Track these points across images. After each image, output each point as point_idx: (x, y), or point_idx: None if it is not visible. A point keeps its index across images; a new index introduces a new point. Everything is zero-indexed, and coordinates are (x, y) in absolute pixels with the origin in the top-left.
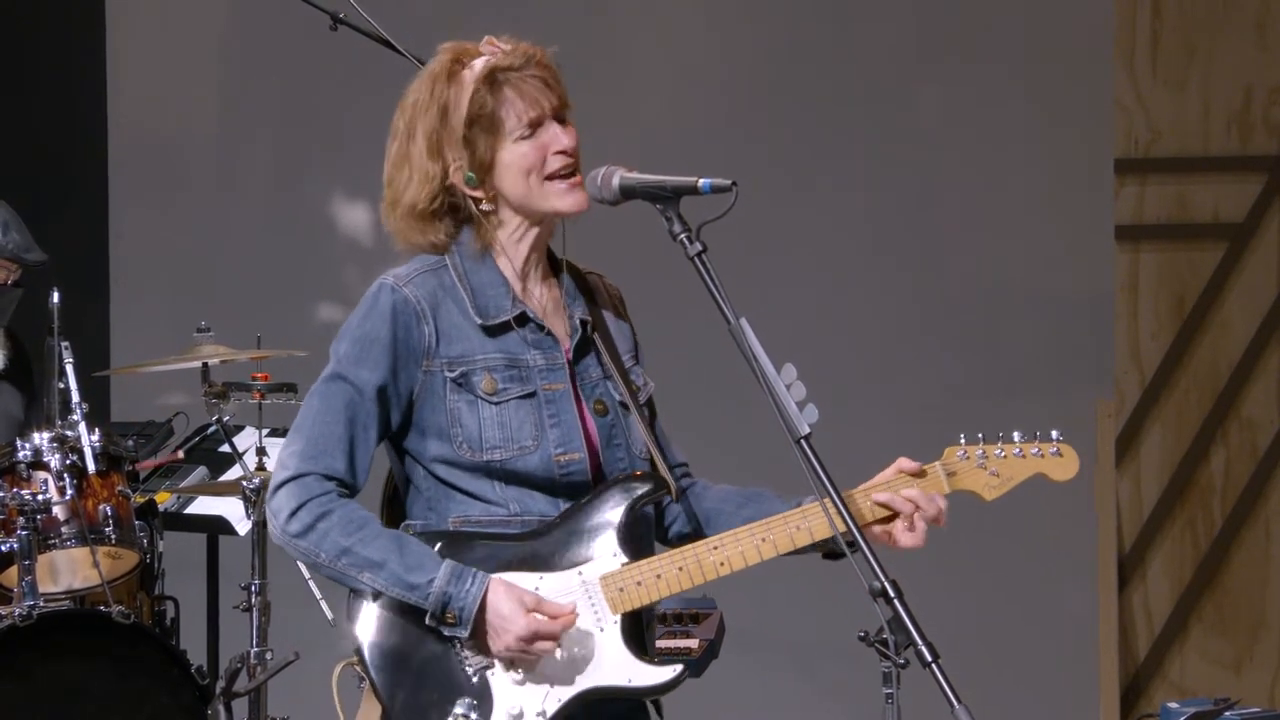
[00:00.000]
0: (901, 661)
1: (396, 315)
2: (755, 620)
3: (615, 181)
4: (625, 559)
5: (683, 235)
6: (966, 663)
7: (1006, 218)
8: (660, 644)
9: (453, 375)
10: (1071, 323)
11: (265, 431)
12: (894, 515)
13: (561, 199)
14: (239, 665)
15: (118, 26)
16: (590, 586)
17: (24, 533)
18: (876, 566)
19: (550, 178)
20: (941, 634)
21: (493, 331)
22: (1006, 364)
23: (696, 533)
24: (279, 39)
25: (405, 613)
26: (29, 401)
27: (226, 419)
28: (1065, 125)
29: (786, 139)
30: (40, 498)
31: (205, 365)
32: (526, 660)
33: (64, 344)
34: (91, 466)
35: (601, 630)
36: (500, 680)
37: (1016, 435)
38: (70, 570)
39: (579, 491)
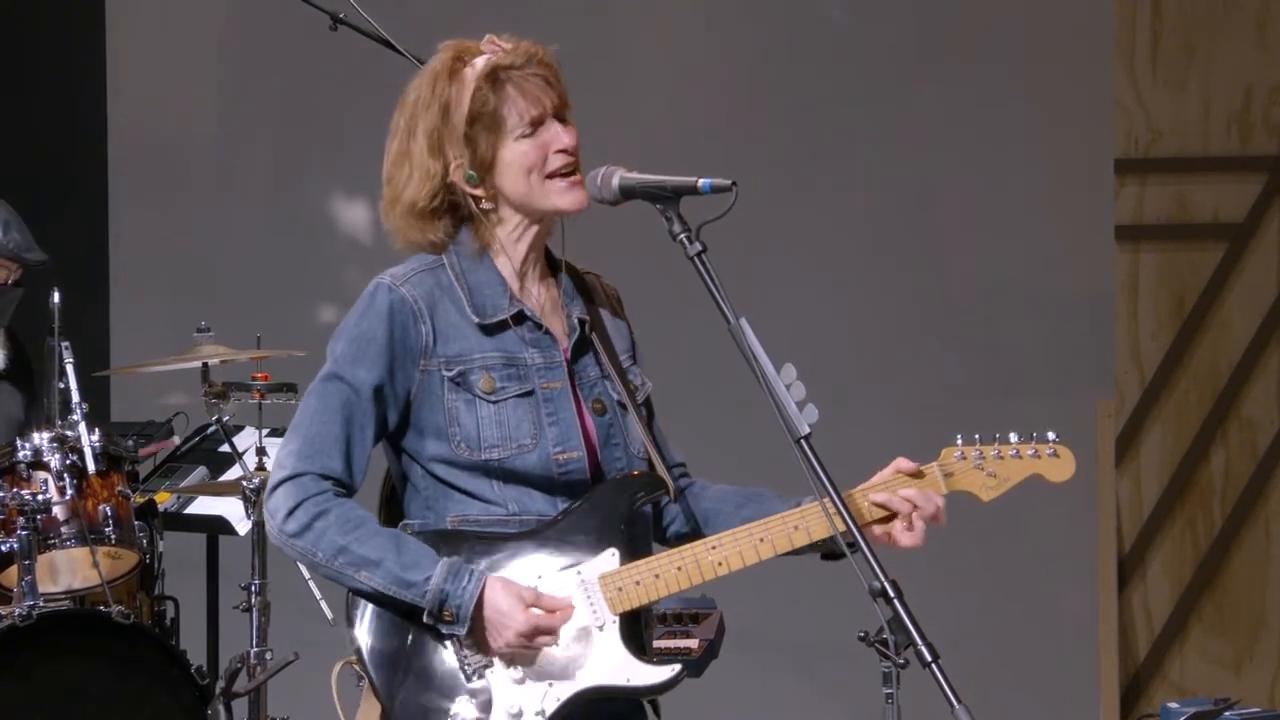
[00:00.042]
0: (901, 661)
1: (393, 315)
2: (755, 620)
3: (615, 181)
4: (624, 558)
5: (683, 235)
6: (966, 663)
7: (1006, 218)
8: (660, 644)
9: (450, 374)
10: (1071, 323)
11: (265, 431)
12: (892, 516)
13: (561, 197)
14: (239, 665)
15: (118, 26)
16: (589, 586)
17: (24, 533)
18: (876, 566)
19: (551, 176)
20: (941, 634)
21: (490, 330)
22: (1006, 364)
23: (695, 533)
24: (279, 39)
25: (404, 612)
26: (29, 401)
27: (226, 419)
28: (1065, 125)
29: (786, 139)
30: (40, 498)
31: (205, 365)
32: (526, 657)
33: (64, 344)
34: (91, 466)
35: (600, 630)
36: (499, 679)
37: (1013, 436)
38: (70, 570)
39: (577, 490)
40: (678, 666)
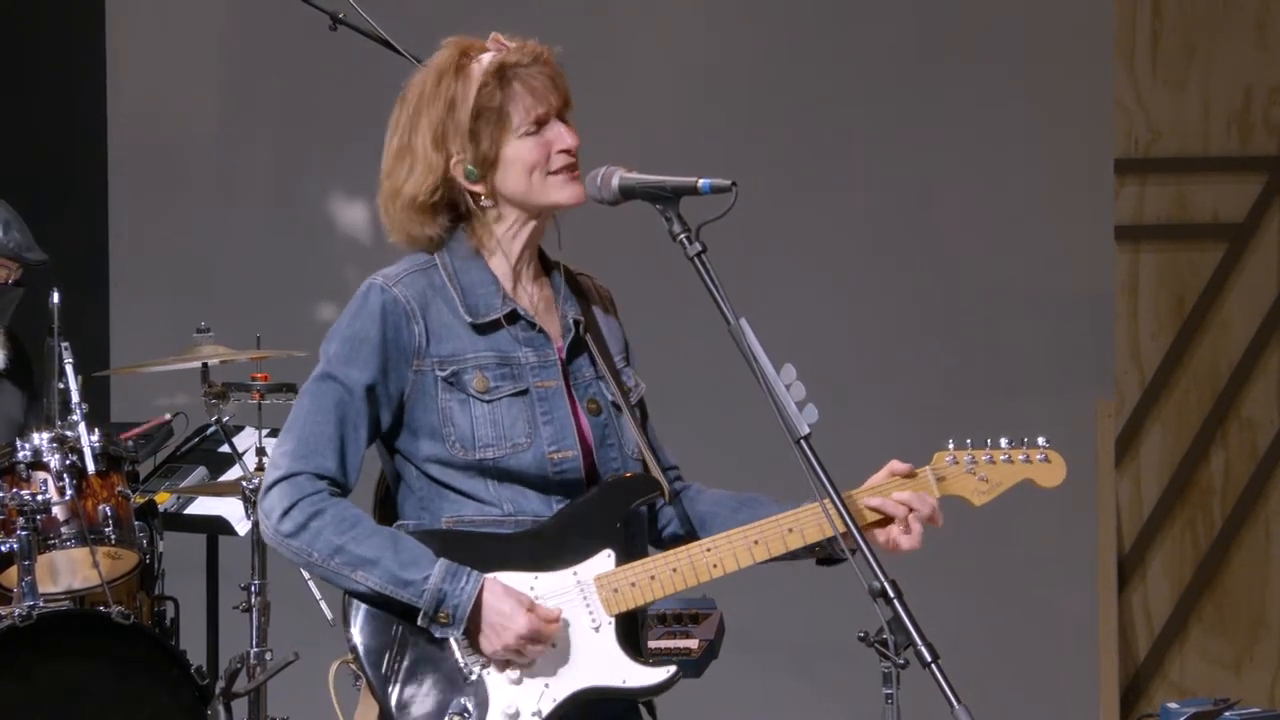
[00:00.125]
0: (901, 662)
1: (386, 315)
2: (755, 620)
3: (615, 181)
4: (620, 560)
5: (682, 235)
6: (966, 663)
7: (1006, 218)
8: (660, 644)
9: (444, 374)
10: (1071, 323)
11: (265, 432)
12: (889, 519)
13: (560, 191)
14: (239, 665)
15: (118, 26)
16: (585, 587)
17: (24, 533)
18: (876, 567)
19: (552, 174)
20: (941, 634)
21: (483, 330)
22: (1006, 364)
23: (690, 535)
24: (279, 39)
25: (400, 612)
26: (29, 402)
27: (226, 419)
28: (1065, 125)
29: (786, 139)
30: (40, 498)
31: (205, 365)
32: (519, 661)
33: (64, 344)
34: (91, 467)
35: (596, 631)
36: (496, 680)
37: (1004, 441)
38: (70, 570)
39: (572, 490)
40: (673, 668)
